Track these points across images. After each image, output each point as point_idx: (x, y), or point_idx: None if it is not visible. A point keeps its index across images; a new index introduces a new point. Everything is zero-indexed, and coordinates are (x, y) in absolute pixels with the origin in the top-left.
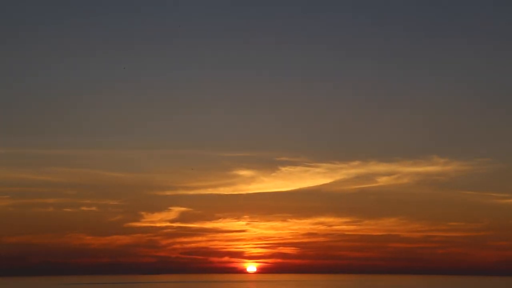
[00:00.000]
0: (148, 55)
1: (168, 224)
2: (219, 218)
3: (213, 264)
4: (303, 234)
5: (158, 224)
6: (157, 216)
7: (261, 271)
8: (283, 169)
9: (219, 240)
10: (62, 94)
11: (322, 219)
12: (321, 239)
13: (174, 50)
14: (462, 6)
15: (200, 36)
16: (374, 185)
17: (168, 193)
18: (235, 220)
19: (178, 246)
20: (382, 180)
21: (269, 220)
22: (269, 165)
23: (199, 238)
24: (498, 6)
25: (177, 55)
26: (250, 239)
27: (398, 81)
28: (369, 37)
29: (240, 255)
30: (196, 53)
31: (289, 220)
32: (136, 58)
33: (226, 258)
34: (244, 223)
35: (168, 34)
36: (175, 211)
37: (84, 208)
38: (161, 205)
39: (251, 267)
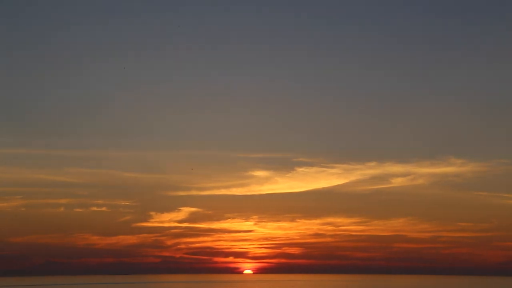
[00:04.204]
0: (162, 57)
1: (176, 224)
2: (228, 218)
3: (217, 264)
4: (310, 235)
5: (166, 224)
6: (166, 216)
7: (265, 271)
8: (299, 170)
9: (225, 240)
10: (78, 97)
11: (330, 220)
12: (328, 239)
13: (191, 53)
14: (469, 17)
15: (218, 41)
16: (388, 186)
17: (181, 193)
18: (244, 220)
19: (183, 246)
20: (397, 181)
21: (277, 221)
22: (286, 166)
23: (205, 238)
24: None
25: (193, 58)
26: (256, 239)
27: (415, 84)
28: (385, 45)
29: (244, 255)
30: (214, 57)
31: (298, 220)
32: (149, 60)
33: (230, 258)
34: (252, 223)
35: (186, 38)
36: (185, 211)
37: (95, 208)
38: (172, 206)
39: (253, 267)
